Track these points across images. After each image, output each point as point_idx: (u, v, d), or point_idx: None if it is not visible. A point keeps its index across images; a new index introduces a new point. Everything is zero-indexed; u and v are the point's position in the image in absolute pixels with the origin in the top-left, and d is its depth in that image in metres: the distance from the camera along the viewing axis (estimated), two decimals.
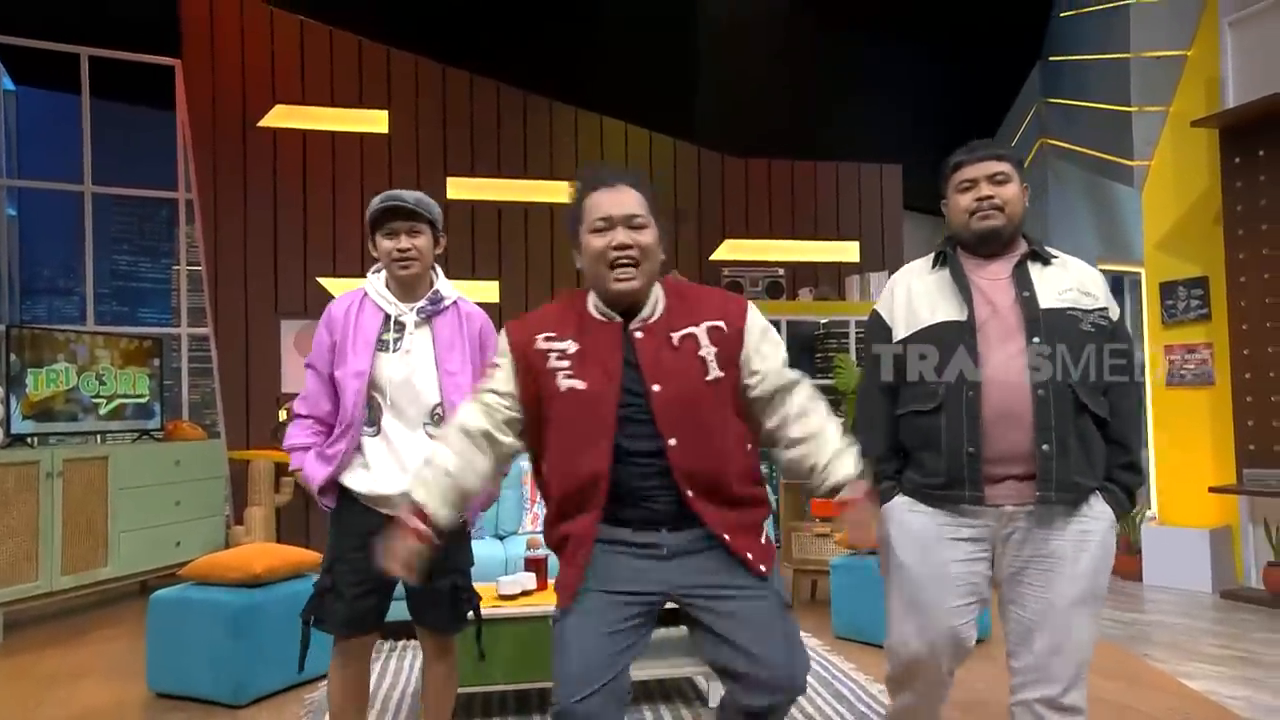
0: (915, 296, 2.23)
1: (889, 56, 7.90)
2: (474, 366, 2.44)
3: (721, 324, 1.91)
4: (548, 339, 1.90)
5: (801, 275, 7.40)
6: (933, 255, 2.29)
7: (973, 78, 7.93)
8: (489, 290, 6.97)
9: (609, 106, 7.27)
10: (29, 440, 4.85)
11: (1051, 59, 7.21)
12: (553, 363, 1.88)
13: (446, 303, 2.48)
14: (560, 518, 1.92)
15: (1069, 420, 2.04)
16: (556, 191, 7.16)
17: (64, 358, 5.09)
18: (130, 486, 5.16)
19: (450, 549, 2.28)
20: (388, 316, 2.41)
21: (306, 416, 2.47)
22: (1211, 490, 5.28)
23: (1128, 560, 5.74)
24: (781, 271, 7.13)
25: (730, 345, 1.90)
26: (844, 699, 3.35)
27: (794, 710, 3.23)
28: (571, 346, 1.89)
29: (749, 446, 1.96)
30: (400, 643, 4.15)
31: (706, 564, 1.87)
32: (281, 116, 6.69)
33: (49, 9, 6.42)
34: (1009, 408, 2.04)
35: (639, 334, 1.88)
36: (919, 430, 2.17)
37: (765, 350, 1.95)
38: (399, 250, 2.39)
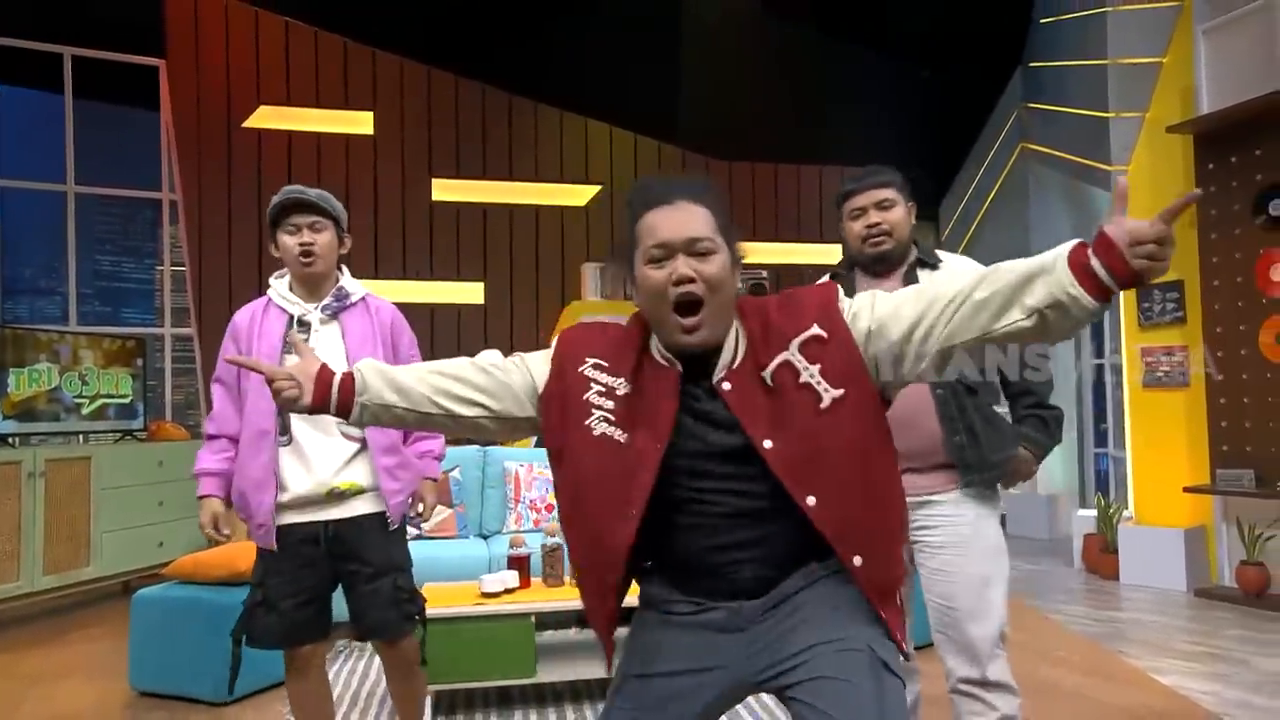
0: None
1: (873, 61, 7.98)
2: (386, 353, 2.41)
3: (818, 330, 1.47)
4: (597, 366, 1.53)
5: (785, 277, 7.45)
6: (829, 276, 2.42)
7: (956, 82, 8.02)
8: (474, 291, 7.00)
9: (594, 109, 7.31)
10: (11, 440, 4.85)
11: (1032, 65, 7.29)
12: (593, 398, 1.50)
13: (354, 298, 2.43)
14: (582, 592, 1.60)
15: (970, 410, 2.24)
16: (541, 193, 7.20)
17: (46, 358, 5.08)
18: (113, 487, 5.16)
19: (386, 546, 2.34)
20: (292, 317, 2.36)
21: (217, 437, 2.39)
22: (1185, 490, 5.36)
23: (1104, 559, 5.82)
24: (765, 274, 7.16)
25: (838, 351, 1.46)
26: None
27: (775, 711, 3.28)
28: (622, 387, 1.50)
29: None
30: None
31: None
32: (266, 117, 6.70)
33: (32, 9, 6.41)
34: (913, 410, 2.20)
35: (726, 385, 1.46)
36: None
37: (880, 313, 1.47)
38: (301, 245, 2.34)
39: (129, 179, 7.14)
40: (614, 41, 7.22)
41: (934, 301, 1.44)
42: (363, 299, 2.45)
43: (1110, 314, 6.94)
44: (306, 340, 2.30)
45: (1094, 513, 6.13)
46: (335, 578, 2.35)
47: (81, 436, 5.50)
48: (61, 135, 6.58)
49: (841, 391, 1.43)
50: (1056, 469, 7.31)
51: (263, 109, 6.69)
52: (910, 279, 2.35)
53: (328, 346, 2.33)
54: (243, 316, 2.41)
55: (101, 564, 5.09)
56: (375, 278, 6.72)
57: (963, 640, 2.21)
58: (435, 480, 2.54)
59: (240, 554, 3.59)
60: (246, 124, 6.66)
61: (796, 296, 1.56)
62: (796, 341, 1.47)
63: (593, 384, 1.51)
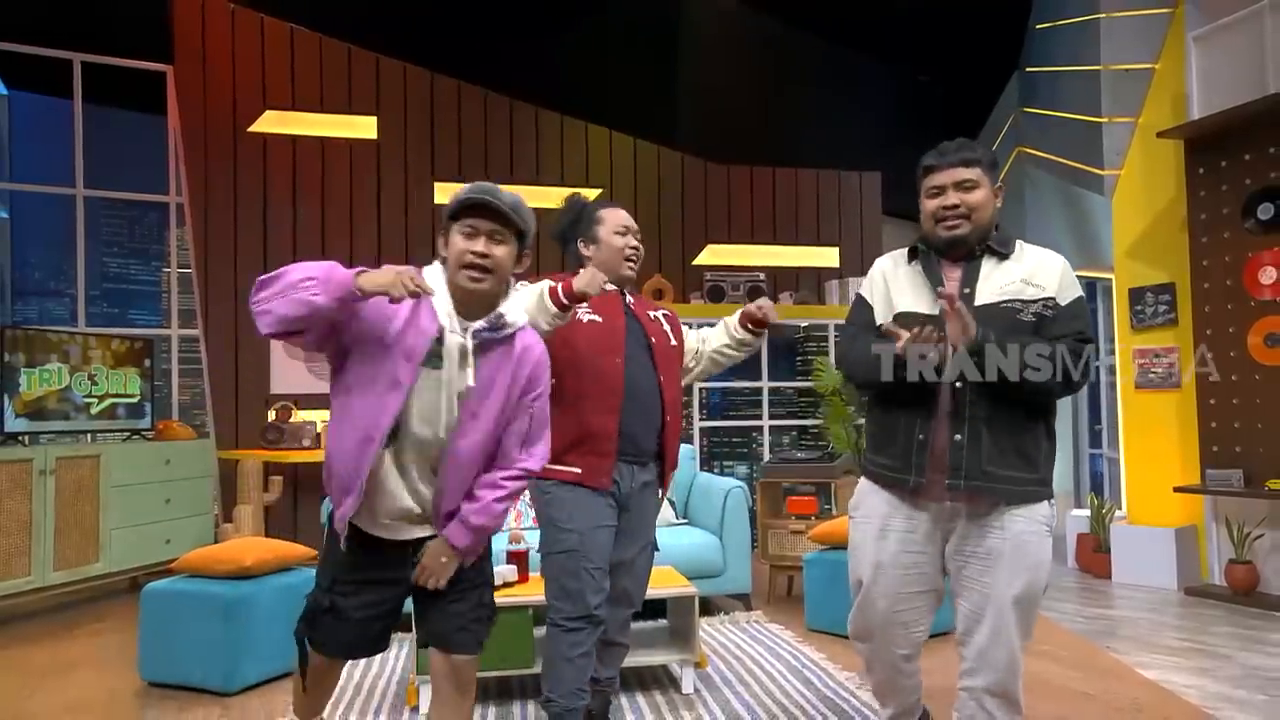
0: (890, 285, 2.36)
1: (872, 66, 8.07)
2: (504, 414, 2.09)
3: (668, 313, 2.90)
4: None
5: (782, 280, 7.55)
6: (908, 249, 2.40)
7: (953, 86, 8.10)
8: None
9: (594, 114, 7.40)
10: (22, 439, 4.95)
11: (1028, 70, 7.37)
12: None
13: (507, 330, 2.08)
14: None
15: (983, 411, 2.15)
16: (542, 197, 7.28)
17: (57, 358, 5.18)
18: (121, 485, 5.26)
19: (479, 560, 2.20)
20: (441, 329, 2.01)
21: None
22: (1176, 490, 5.44)
23: (1097, 558, 5.90)
24: (762, 276, 7.27)
25: (676, 329, 2.88)
26: (812, 686, 3.48)
27: (763, 696, 3.37)
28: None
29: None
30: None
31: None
32: (271, 122, 6.80)
33: (43, 15, 6.52)
34: (942, 401, 2.20)
35: (632, 302, 2.78)
36: (881, 416, 2.38)
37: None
38: (475, 254, 2.00)
39: (137, 182, 7.22)
40: (614, 47, 7.32)
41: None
42: (514, 335, 2.11)
43: (1104, 316, 7.03)
44: (440, 361, 2.00)
45: (1088, 513, 6.21)
46: (408, 591, 2.17)
47: (90, 435, 5.60)
48: (71, 140, 6.69)
49: (676, 343, 2.83)
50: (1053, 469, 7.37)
51: (268, 114, 6.79)
52: (969, 272, 2.25)
53: (450, 371, 2.02)
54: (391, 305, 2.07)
55: (110, 560, 5.19)
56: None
57: (988, 651, 2.18)
58: (456, 548, 2.10)
59: (247, 549, 3.69)
60: (252, 128, 6.76)
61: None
62: (661, 311, 2.86)
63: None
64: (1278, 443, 4.98)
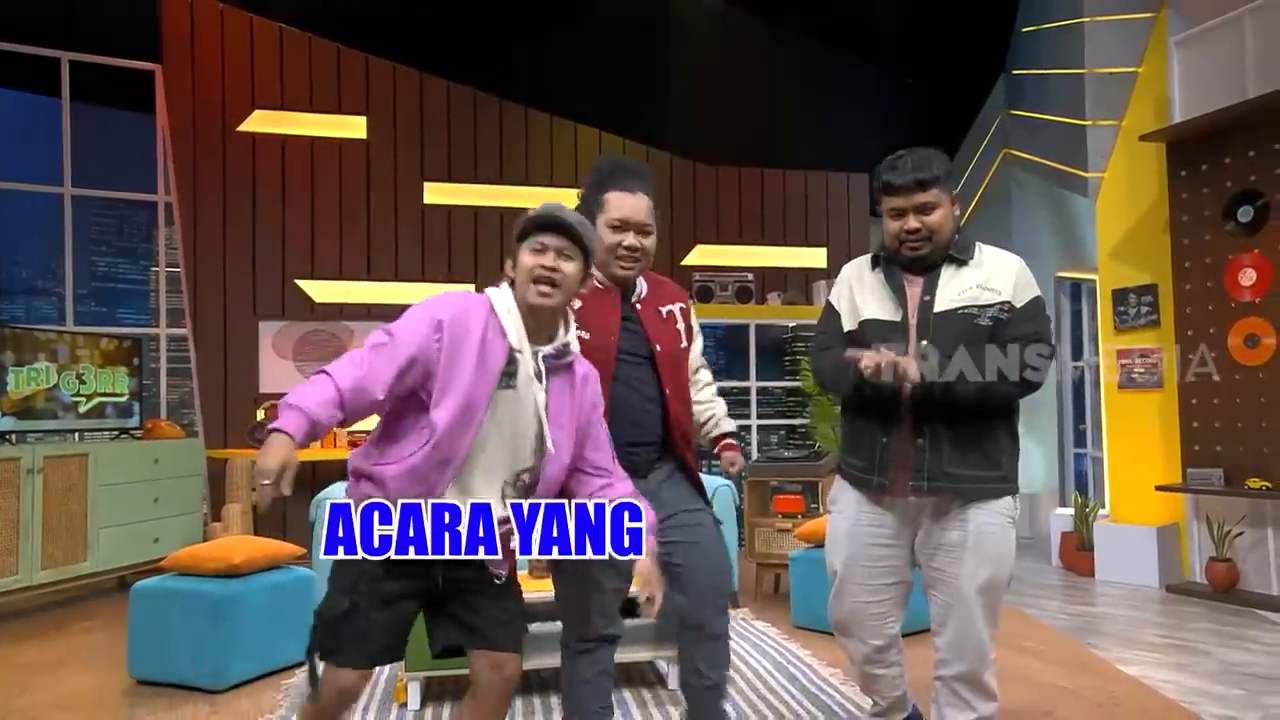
0: (856, 292, 2.44)
1: (860, 68, 8.11)
2: (579, 435, 2.11)
3: (681, 306, 2.53)
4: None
5: (770, 280, 7.59)
6: (871, 257, 2.47)
7: (941, 89, 8.15)
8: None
9: (583, 114, 7.44)
10: (9, 438, 4.95)
11: (1014, 72, 7.44)
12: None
13: (570, 358, 2.11)
14: None
15: (944, 415, 2.24)
16: (531, 196, 7.32)
17: (45, 357, 5.18)
18: (110, 484, 5.26)
19: (506, 598, 2.12)
20: (511, 350, 2.00)
21: (330, 378, 1.85)
22: (1158, 489, 5.50)
23: (1080, 556, 5.96)
24: (750, 276, 7.31)
25: (688, 323, 2.53)
26: (797, 682, 3.53)
27: (749, 692, 3.41)
28: (576, 303, 2.24)
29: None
30: None
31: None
32: (261, 121, 6.81)
33: (30, 13, 6.50)
34: (904, 407, 2.30)
35: (639, 306, 2.43)
36: (852, 419, 2.48)
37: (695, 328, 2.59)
38: (544, 268, 2.00)
39: (125, 182, 7.22)
40: (603, 48, 7.35)
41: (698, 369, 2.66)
42: (574, 359, 2.13)
43: (1088, 317, 7.10)
44: (514, 380, 1.98)
45: (1071, 511, 6.27)
46: (431, 594, 2.06)
47: (78, 434, 5.60)
48: (59, 138, 6.68)
49: (687, 343, 2.51)
50: (1037, 469, 7.45)
51: (257, 113, 6.80)
52: (930, 280, 2.33)
53: (526, 394, 2.00)
54: (474, 320, 1.99)
55: (98, 559, 5.19)
56: (368, 279, 6.83)
57: (958, 639, 2.29)
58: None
59: (236, 548, 3.71)
60: (241, 128, 6.77)
61: (661, 279, 2.57)
62: (675, 306, 2.51)
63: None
64: (1257, 442, 5.05)
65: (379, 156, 7.02)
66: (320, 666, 1.95)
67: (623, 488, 2.15)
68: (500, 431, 1.98)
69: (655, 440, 2.41)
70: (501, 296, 2.05)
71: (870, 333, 2.31)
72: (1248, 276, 5.13)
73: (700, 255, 7.61)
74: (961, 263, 2.33)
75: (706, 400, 2.63)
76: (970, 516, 2.28)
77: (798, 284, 7.61)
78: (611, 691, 2.45)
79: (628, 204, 2.37)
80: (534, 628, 3.77)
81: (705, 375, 2.66)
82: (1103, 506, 6.22)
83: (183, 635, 3.48)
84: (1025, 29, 7.12)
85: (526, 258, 2.02)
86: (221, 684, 3.46)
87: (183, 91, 6.67)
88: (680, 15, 7.50)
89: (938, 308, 2.29)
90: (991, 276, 2.31)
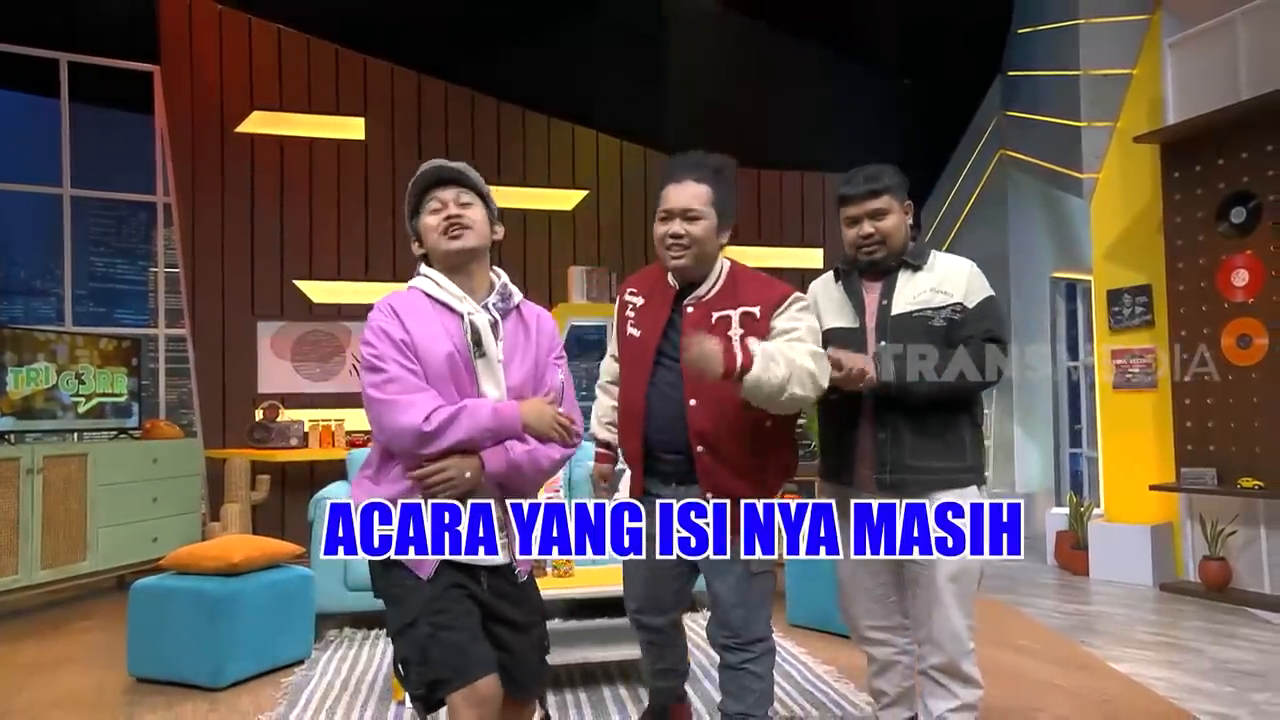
0: (820, 305, 2.60)
1: (857, 70, 8.14)
2: (536, 380, 2.07)
3: (755, 310, 2.31)
4: (631, 293, 2.51)
5: None
6: (833, 270, 2.63)
7: (937, 90, 8.18)
8: None
9: (581, 116, 7.46)
10: (9, 437, 4.97)
11: (1010, 73, 7.47)
12: (628, 312, 2.48)
13: (515, 300, 2.08)
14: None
15: (903, 411, 2.37)
16: (529, 198, 7.35)
17: (44, 357, 5.21)
18: (109, 483, 5.28)
19: (533, 594, 2.12)
20: (462, 318, 1.97)
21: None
22: (1152, 488, 5.53)
23: (1075, 555, 5.99)
24: None
25: (757, 329, 2.28)
26: (791, 679, 3.55)
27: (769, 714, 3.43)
28: (640, 300, 2.45)
29: (768, 424, 2.30)
30: (373, 631, 4.31)
31: None
32: (259, 122, 6.83)
33: (28, 14, 6.52)
34: (865, 405, 2.43)
35: (690, 309, 2.36)
36: (823, 420, 2.64)
37: (787, 324, 2.29)
38: (447, 218, 1.98)
39: (124, 183, 7.25)
40: (600, 49, 7.37)
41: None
42: (519, 304, 2.11)
43: (1083, 317, 7.12)
44: (482, 348, 1.97)
45: (1066, 511, 6.31)
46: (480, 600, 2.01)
47: (78, 434, 5.62)
48: (57, 139, 6.70)
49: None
50: (1033, 469, 7.48)
51: (256, 114, 6.82)
52: (887, 285, 2.48)
53: (493, 361, 2.00)
54: (422, 316, 1.96)
55: (97, 559, 5.22)
56: (366, 280, 6.85)
57: (933, 629, 2.38)
58: (485, 468, 1.97)
59: (235, 546, 3.74)
60: (240, 129, 6.79)
61: (761, 280, 2.42)
62: (742, 309, 2.31)
63: (628, 305, 2.49)
64: (1250, 442, 5.08)
65: (377, 157, 7.04)
66: (443, 712, 1.84)
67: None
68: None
69: (681, 451, 2.32)
70: (426, 277, 2.03)
71: (833, 340, 2.45)
72: (1240, 277, 5.17)
73: None
74: (916, 268, 2.47)
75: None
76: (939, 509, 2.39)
77: (795, 284, 7.60)
78: (658, 664, 2.68)
79: (667, 193, 2.37)
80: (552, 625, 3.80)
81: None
82: (1098, 506, 6.25)
83: (182, 633, 3.51)
84: (1021, 30, 7.15)
85: (429, 220, 2.01)
86: (221, 682, 3.48)
87: (181, 92, 6.69)
88: (677, 16, 7.52)
89: (894, 311, 2.43)
90: (944, 280, 2.44)
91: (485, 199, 2.05)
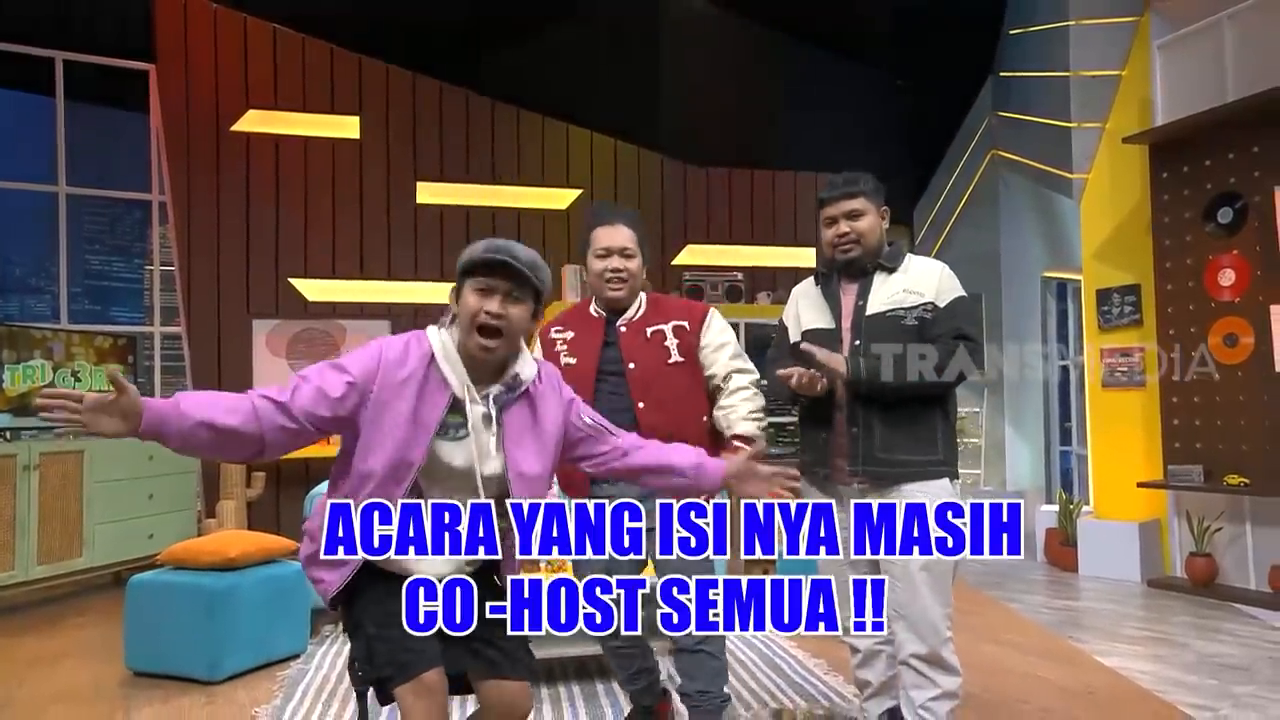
0: (800, 307, 2.71)
1: (849, 70, 8.18)
2: (554, 446, 2.06)
3: (685, 323, 2.69)
4: (558, 330, 2.77)
5: (760, 280, 7.65)
6: (814, 274, 2.74)
7: (930, 90, 8.23)
8: None
9: (575, 115, 7.50)
10: (5, 434, 5.00)
11: (1002, 74, 7.52)
12: (558, 346, 2.72)
13: (523, 386, 1.99)
14: None
15: (875, 406, 2.46)
16: (523, 197, 7.39)
17: (40, 354, 5.23)
18: (105, 480, 5.32)
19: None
20: (452, 395, 1.91)
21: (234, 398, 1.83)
22: (1140, 485, 5.59)
23: (1064, 552, 6.05)
24: (740, 276, 7.38)
25: (689, 339, 2.67)
26: (782, 672, 3.61)
27: (734, 681, 3.48)
28: (570, 334, 2.73)
29: (704, 418, 2.67)
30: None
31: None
32: (254, 121, 6.85)
33: (24, 13, 6.54)
34: (839, 401, 2.54)
35: (623, 329, 2.68)
36: (803, 418, 2.74)
37: (719, 338, 2.70)
38: (489, 314, 1.87)
39: (119, 181, 7.28)
40: (594, 49, 7.41)
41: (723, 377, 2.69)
42: (528, 385, 2.01)
43: (1074, 316, 7.18)
44: (462, 427, 1.91)
45: (1056, 508, 6.36)
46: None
47: (73, 432, 5.64)
48: (53, 137, 6.72)
49: (682, 358, 2.65)
50: (1023, 467, 7.54)
51: (251, 113, 6.85)
52: (862, 287, 2.58)
53: (480, 432, 1.94)
54: (407, 368, 1.90)
55: (93, 555, 5.25)
56: (361, 279, 6.88)
57: (910, 619, 2.45)
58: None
59: (231, 541, 3.77)
60: (235, 128, 6.81)
61: (677, 300, 2.88)
62: (671, 325, 2.68)
63: (556, 341, 2.74)
64: (1236, 440, 5.14)
65: (372, 156, 7.07)
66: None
67: (630, 438, 2.19)
68: (451, 474, 1.93)
69: None
70: (441, 341, 1.93)
71: (810, 340, 2.56)
72: (1227, 277, 5.23)
73: (691, 255, 7.67)
74: (891, 270, 2.57)
75: (729, 404, 2.67)
76: (905, 498, 2.46)
77: (787, 283, 7.60)
78: (629, 669, 2.83)
79: (602, 233, 2.69)
80: None
81: (737, 380, 2.68)
82: (1087, 503, 6.31)
83: (179, 627, 3.54)
84: (1013, 31, 7.21)
85: (471, 300, 1.89)
86: (218, 675, 3.52)
87: (176, 91, 6.71)
88: (671, 16, 7.56)
89: (869, 311, 2.54)
90: (916, 281, 2.55)
91: (538, 295, 1.95)
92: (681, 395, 2.63)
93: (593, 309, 2.77)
